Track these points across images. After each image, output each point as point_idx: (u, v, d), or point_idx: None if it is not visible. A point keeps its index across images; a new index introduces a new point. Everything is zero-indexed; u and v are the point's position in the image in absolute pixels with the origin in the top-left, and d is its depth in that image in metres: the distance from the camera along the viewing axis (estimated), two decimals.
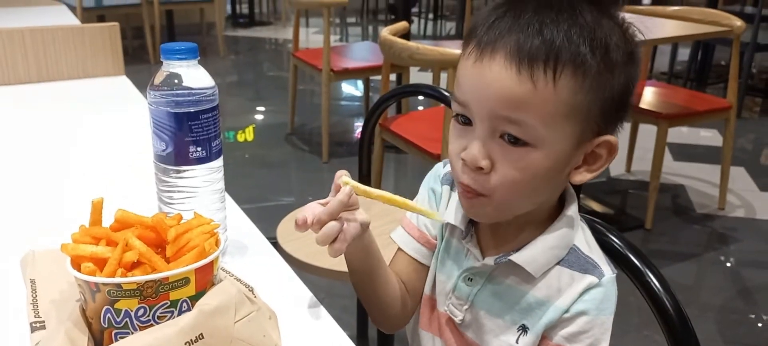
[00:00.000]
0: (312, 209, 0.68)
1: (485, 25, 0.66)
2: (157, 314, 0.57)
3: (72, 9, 2.53)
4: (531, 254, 0.71)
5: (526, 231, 0.74)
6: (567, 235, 0.72)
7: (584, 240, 0.74)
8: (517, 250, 0.72)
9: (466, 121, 0.69)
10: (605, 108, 0.66)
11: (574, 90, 0.64)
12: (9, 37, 1.50)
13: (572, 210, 0.73)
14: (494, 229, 0.76)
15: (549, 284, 0.71)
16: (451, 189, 0.81)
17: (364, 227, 0.72)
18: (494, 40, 0.65)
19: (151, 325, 0.57)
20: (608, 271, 0.72)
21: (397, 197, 0.70)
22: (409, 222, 0.85)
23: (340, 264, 0.79)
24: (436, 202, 0.83)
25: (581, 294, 0.70)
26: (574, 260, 0.72)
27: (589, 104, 0.65)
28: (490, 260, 0.74)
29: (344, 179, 0.69)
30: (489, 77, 0.65)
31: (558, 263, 0.72)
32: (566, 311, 0.70)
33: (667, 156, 3.29)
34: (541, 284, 0.72)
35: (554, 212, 0.74)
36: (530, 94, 0.63)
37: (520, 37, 0.63)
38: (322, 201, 0.69)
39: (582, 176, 0.70)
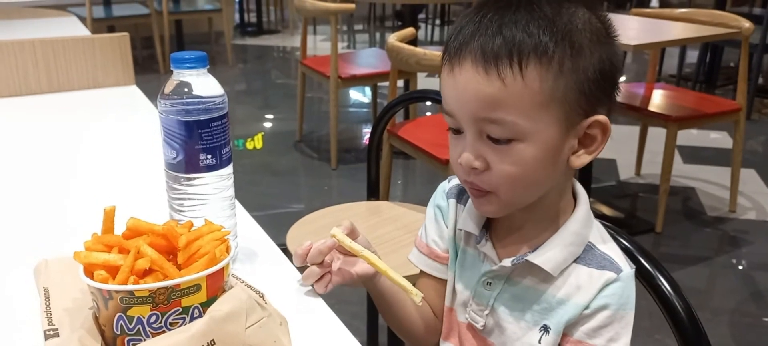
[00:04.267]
0: (306, 249, 0.75)
1: (453, 34, 0.70)
2: (169, 320, 0.57)
3: (82, 19, 2.55)
4: (547, 254, 0.72)
5: (540, 230, 0.74)
6: (582, 232, 0.73)
7: (599, 237, 0.75)
8: (534, 250, 0.73)
9: (457, 129, 0.71)
10: (584, 89, 0.67)
11: (543, 79, 0.65)
12: (20, 48, 1.51)
13: (584, 206, 0.74)
14: (508, 231, 0.77)
15: (568, 282, 0.72)
16: (457, 201, 0.83)
17: (361, 277, 0.77)
18: (461, 47, 0.68)
19: (164, 331, 0.57)
20: (626, 266, 0.72)
21: (378, 262, 0.73)
22: (419, 240, 0.87)
23: None
24: (443, 217, 0.84)
25: (601, 290, 0.71)
26: (590, 257, 0.72)
27: (563, 89, 0.66)
28: (507, 262, 0.74)
29: (333, 231, 0.74)
30: (462, 84, 0.67)
31: (575, 261, 0.72)
32: (587, 307, 0.71)
33: (677, 159, 3.27)
34: (559, 282, 0.72)
35: (566, 209, 0.75)
36: (501, 91, 0.65)
37: (482, 40, 0.66)
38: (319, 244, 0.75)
39: (582, 159, 0.71)
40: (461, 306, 0.81)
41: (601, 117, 0.69)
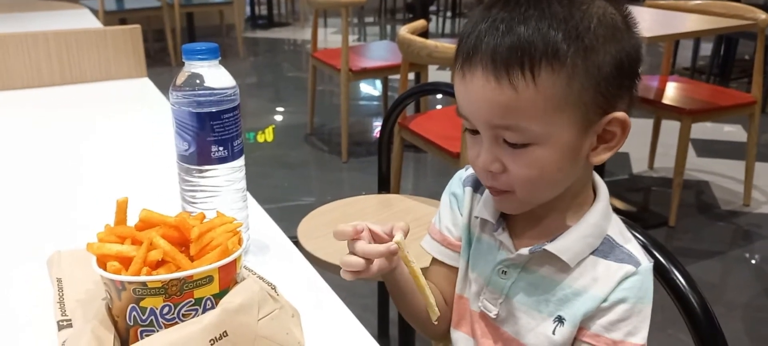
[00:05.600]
0: (358, 231, 0.72)
1: (464, 36, 0.68)
2: (182, 311, 0.57)
3: (94, 12, 2.56)
4: (565, 243, 0.71)
5: (558, 221, 0.74)
6: (600, 225, 0.72)
7: (618, 231, 0.74)
8: (551, 240, 0.72)
9: (474, 131, 0.70)
10: (600, 89, 0.65)
11: (556, 83, 0.64)
12: (33, 40, 1.52)
13: (603, 200, 0.74)
14: (526, 221, 0.76)
15: (585, 274, 0.72)
16: (474, 190, 0.83)
17: (390, 270, 0.76)
18: (471, 52, 0.66)
19: (176, 323, 0.57)
20: (644, 260, 0.72)
21: (420, 276, 0.71)
22: (433, 227, 0.87)
23: None
24: (458, 205, 0.84)
25: (619, 283, 0.70)
26: (608, 250, 0.72)
27: (578, 91, 0.64)
28: (524, 251, 0.74)
29: (397, 238, 0.70)
30: (473, 92, 0.67)
31: (592, 253, 0.72)
32: (604, 300, 0.70)
33: (691, 152, 3.24)
34: (576, 273, 0.72)
35: (585, 202, 0.74)
36: (514, 100, 0.64)
37: (492, 44, 0.64)
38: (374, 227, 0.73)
39: (601, 156, 0.70)
40: (474, 295, 0.80)
41: (620, 114, 0.67)
